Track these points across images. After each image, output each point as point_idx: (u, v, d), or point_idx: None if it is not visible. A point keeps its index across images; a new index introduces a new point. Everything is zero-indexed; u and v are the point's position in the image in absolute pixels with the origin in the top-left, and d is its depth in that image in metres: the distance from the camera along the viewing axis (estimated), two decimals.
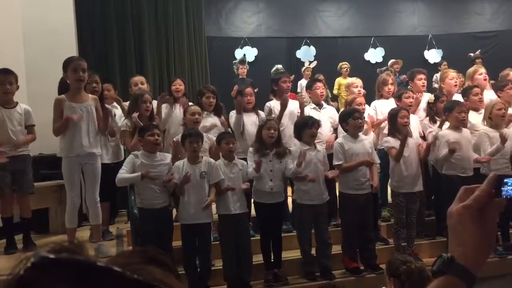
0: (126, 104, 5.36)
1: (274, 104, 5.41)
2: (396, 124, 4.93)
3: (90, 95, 4.56)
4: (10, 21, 5.95)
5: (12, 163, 4.65)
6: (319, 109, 5.49)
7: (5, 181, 4.62)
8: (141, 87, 5.47)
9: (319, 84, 5.64)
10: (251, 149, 4.74)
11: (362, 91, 5.88)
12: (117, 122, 5.26)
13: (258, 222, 4.84)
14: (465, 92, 5.58)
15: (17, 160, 4.69)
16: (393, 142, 4.91)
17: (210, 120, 5.17)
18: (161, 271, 0.46)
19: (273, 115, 5.23)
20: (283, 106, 5.18)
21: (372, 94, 6.04)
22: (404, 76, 7.68)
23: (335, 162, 4.81)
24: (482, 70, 5.95)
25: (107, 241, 4.98)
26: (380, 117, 5.48)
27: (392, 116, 5.01)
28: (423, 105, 5.68)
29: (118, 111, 5.57)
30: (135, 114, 4.69)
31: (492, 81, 6.41)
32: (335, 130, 5.45)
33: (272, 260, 4.67)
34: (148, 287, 0.42)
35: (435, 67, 10.12)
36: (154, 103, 5.25)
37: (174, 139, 4.84)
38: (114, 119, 5.15)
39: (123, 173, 4.31)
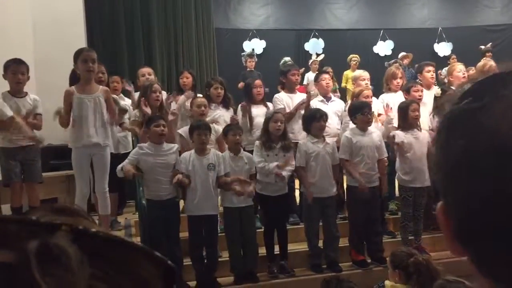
0: (136, 94, 5.38)
1: (282, 96, 5.40)
2: (407, 117, 4.90)
3: (100, 86, 4.59)
4: (19, 11, 5.97)
5: (21, 153, 4.69)
6: (326, 102, 5.47)
7: (15, 171, 4.66)
8: (148, 78, 5.49)
9: (325, 76, 5.61)
10: (257, 142, 4.74)
11: (370, 88, 5.84)
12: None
13: (262, 214, 4.85)
14: None
15: (26, 151, 4.72)
16: (402, 137, 4.88)
17: (218, 112, 5.17)
18: (72, 218, 0.44)
19: (281, 107, 5.22)
20: (308, 101, 5.18)
21: (380, 87, 6.01)
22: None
23: (341, 156, 4.80)
24: (492, 63, 5.88)
25: (116, 231, 5.02)
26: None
27: (403, 109, 4.98)
28: (429, 99, 5.63)
29: (125, 102, 5.58)
30: (144, 105, 4.72)
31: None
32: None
33: (278, 252, 4.69)
34: (49, 227, 0.39)
35: (444, 61, 10.04)
36: (164, 94, 5.26)
37: (179, 131, 4.85)
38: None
39: (123, 164, 4.35)
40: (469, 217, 0.48)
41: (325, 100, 5.48)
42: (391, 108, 5.25)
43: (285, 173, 4.59)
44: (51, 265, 0.36)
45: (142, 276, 0.40)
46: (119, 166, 4.35)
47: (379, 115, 5.43)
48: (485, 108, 0.47)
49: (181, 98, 5.30)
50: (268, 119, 4.71)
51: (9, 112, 4.46)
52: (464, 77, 5.80)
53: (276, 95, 5.48)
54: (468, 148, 0.47)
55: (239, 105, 5.32)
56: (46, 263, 0.36)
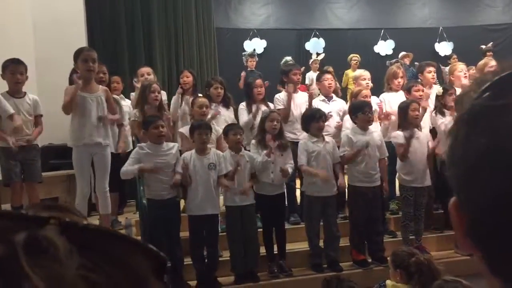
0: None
1: (283, 96, 5.39)
2: (407, 117, 4.89)
3: (100, 86, 4.59)
4: (20, 11, 5.97)
5: (21, 153, 4.68)
6: (328, 102, 5.46)
7: (15, 170, 4.65)
8: (147, 78, 5.49)
9: (327, 76, 5.61)
10: (253, 141, 4.74)
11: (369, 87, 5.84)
12: (125, 113, 5.31)
13: (260, 214, 4.85)
14: None
15: (26, 150, 4.72)
16: (402, 138, 4.87)
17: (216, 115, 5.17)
18: (62, 214, 0.43)
19: (282, 107, 5.22)
20: (289, 96, 5.18)
21: (381, 86, 5.99)
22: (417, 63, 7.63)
23: (341, 153, 4.80)
24: (493, 62, 5.86)
25: None
26: (388, 109, 5.45)
27: (403, 109, 4.97)
28: (432, 97, 5.62)
29: (125, 103, 5.59)
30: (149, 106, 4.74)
31: None
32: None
33: (276, 252, 4.69)
34: (38, 220, 0.39)
35: (445, 60, 10.03)
36: (163, 94, 5.26)
37: (180, 130, 4.85)
38: (122, 111, 5.18)
39: (127, 166, 4.35)
40: (482, 215, 0.48)
41: (326, 99, 5.48)
42: (390, 117, 5.26)
43: (290, 169, 4.60)
44: (39, 256, 0.36)
45: (133, 267, 0.40)
46: (122, 169, 4.34)
47: (379, 112, 5.43)
48: (510, 107, 0.46)
49: (172, 104, 5.39)
50: (264, 118, 4.71)
51: (11, 110, 4.45)
52: (465, 76, 5.79)
53: (277, 95, 5.47)
54: (490, 147, 0.46)
55: (240, 104, 5.30)
56: (35, 255, 0.36)
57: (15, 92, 4.68)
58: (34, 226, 0.38)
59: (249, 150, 4.76)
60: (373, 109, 5.04)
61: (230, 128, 4.61)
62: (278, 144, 4.64)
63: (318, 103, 5.38)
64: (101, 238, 0.40)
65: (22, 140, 4.70)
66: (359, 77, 5.91)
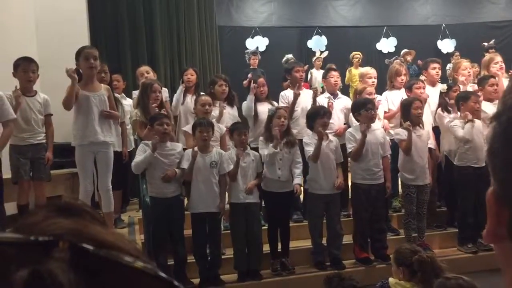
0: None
1: (288, 94, 5.39)
2: (410, 115, 4.89)
3: (103, 85, 4.60)
4: (23, 10, 5.98)
5: (31, 151, 4.70)
6: (333, 99, 5.45)
7: (24, 168, 4.66)
8: (147, 76, 5.50)
9: (333, 73, 5.59)
10: (261, 138, 4.75)
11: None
12: (127, 112, 5.32)
13: (266, 211, 4.86)
14: (481, 82, 5.50)
15: (35, 148, 4.73)
16: (404, 135, 4.87)
17: (223, 110, 5.17)
18: (73, 221, 0.39)
19: (287, 104, 5.23)
20: (296, 97, 5.18)
21: (383, 84, 5.99)
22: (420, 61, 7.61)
23: (349, 150, 4.81)
24: (498, 58, 5.84)
25: (119, 229, 5.03)
26: (392, 107, 5.45)
27: (405, 107, 4.97)
28: (434, 96, 5.61)
29: (127, 102, 5.59)
30: (154, 105, 4.73)
31: (510, 71, 6.30)
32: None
33: (280, 249, 4.70)
34: (46, 244, 0.35)
35: (448, 57, 10.01)
36: (165, 92, 5.27)
37: (184, 129, 4.86)
38: (123, 110, 5.19)
39: (136, 160, 4.37)
40: None
41: (331, 97, 5.47)
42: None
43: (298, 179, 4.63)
44: None
45: None
46: (133, 163, 4.38)
47: (385, 112, 5.42)
48: None
49: (174, 99, 5.39)
50: (271, 116, 4.71)
51: (13, 115, 4.44)
52: (469, 74, 5.78)
53: (282, 93, 5.48)
54: None
55: (243, 103, 5.31)
56: None
57: (26, 90, 4.69)
58: (40, 255, 0.34)
59: (254, 148, 4.77)
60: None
61: (235, 128, 4.62)
62: (286, 141, 4.65)
63: (323, 100, 5.37)
64: (112, 266, 0.37)
65: (32, 137, 4.72)
66: (366, 75, 5.89)
